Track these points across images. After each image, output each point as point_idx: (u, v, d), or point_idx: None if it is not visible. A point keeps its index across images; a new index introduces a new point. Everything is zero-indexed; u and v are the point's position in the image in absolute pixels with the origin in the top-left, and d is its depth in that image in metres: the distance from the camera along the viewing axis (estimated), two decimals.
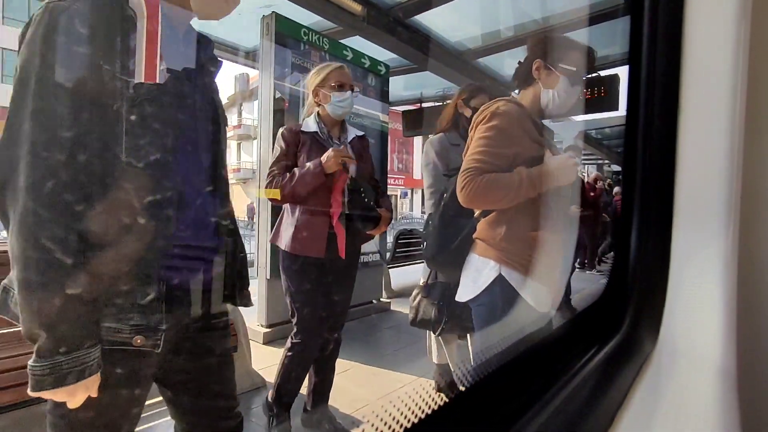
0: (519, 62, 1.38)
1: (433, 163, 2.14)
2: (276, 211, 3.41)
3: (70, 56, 0.74)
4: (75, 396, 0.72)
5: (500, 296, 1.24)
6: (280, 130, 1.82)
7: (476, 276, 1.30)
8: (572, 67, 1.26)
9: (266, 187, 1.75)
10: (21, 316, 0.70)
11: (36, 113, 0.70)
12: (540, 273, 1.19)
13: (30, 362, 0.70)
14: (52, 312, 0.69)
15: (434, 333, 1.91)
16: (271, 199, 1.78)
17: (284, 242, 1.75)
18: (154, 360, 0.82)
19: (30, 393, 0.70)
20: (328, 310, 1.81)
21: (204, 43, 0.93)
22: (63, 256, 0.70)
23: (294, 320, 1.81)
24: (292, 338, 1.82)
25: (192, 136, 0.87)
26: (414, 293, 1.89)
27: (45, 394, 0.70)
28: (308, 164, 1.66)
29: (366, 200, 1.72)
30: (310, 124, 1.76)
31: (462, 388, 0.43)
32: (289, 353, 1.80)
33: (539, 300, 1.21)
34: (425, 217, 2.04)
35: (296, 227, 1.71)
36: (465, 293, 1.34)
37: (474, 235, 1.35)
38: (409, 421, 0.40)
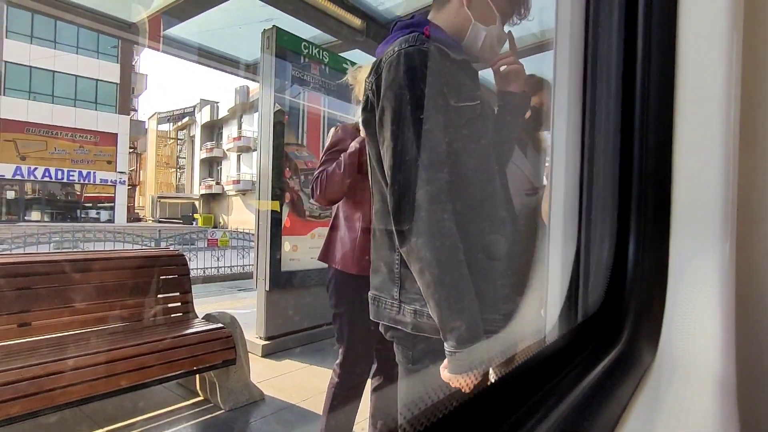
0: None
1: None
2: (276, 223, 3.43)
3: (437, 88, 0.87)
4: (477, 380, 0.83)
5: None
6: (333, 129, 1.71)
7: None
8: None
9: (312, 187, 1.61)
10: (439, 310, 0.82)
11: (419, 139, 0.83)
12: None
13: (449, 348, 0.82)
14: (467, 306, 0.82)
15: None
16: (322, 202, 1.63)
17: (340, 261, 1.60)
18: None
19: (448, 376, 0.83)
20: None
21: None
22: (463, 257, 0.83)
23: (342, 348, 1.65)
24: (338, 369, 1.67)
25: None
26: None
27: (458, 379, 0.82)
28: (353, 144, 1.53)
29: None
30: None
31: (455, 403, 0.43)
32: (337, 386, 1.64)
33: None
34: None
35: (356, 241, 1.56)
36: None
37: None
38: None
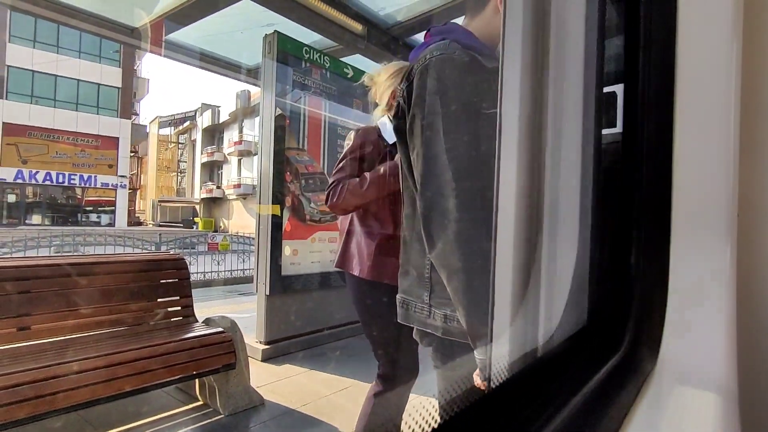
0: None
1: None
2: (277, 227, 3.44)
3: (467, 97, 0.88)
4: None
5: None
6: (354, 132, 1.64)
7: None
8: None
9: (328, 192, 1.52)
10: (467, 316, 0.82)
11: (449, 148, 0.84)
12: None
13: (479, 355, 0.83)
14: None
15: None
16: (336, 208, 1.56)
17: (359, 268, 1.55)
18: None
19: (480, 382, 0.83)
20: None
21: None
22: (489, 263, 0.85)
23: (381, 359, 1.62)
24: (380, 381, 1.62)
25: None
26: None
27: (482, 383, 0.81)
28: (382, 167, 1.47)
29: None
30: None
31: (450, 414, 0.43)
32: (376, 399, 1.60)
33: None
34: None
35: (376, 248, 1.52)
36: None
37: None
38: None
